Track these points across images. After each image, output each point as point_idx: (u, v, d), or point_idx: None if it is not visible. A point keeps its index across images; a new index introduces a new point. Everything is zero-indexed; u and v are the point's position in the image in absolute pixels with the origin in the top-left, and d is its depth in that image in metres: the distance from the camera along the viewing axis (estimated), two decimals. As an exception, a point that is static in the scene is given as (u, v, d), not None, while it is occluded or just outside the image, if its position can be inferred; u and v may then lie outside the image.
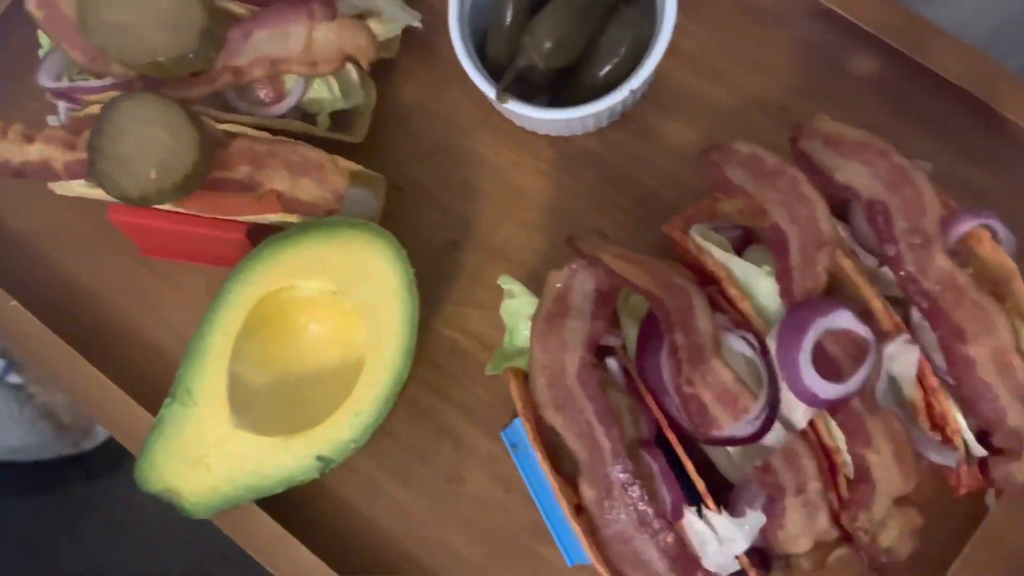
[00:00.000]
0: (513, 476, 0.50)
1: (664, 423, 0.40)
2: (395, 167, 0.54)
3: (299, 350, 0.49)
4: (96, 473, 1.35)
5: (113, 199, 0.48)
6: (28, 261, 0.55)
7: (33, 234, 0.55)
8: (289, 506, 0.49)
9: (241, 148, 0.45)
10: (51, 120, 0.51)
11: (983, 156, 0.51)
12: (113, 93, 0.46)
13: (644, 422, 0.41)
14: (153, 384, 0.51)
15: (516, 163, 0.54)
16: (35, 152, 0.46)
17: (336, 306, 0.48)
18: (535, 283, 0.52)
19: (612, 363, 0.42)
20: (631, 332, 0.43)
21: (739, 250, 0.45)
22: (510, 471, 0.50)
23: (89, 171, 0.44)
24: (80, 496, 1.32)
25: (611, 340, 0.42)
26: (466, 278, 0.53)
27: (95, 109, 0.46)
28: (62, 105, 0.48)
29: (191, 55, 0.44)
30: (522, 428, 0.45)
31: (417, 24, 0.52)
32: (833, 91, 0.52)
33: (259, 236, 0.49)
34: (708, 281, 0.43)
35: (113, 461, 1.37)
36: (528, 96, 0.51)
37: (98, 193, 0.47)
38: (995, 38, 0.57)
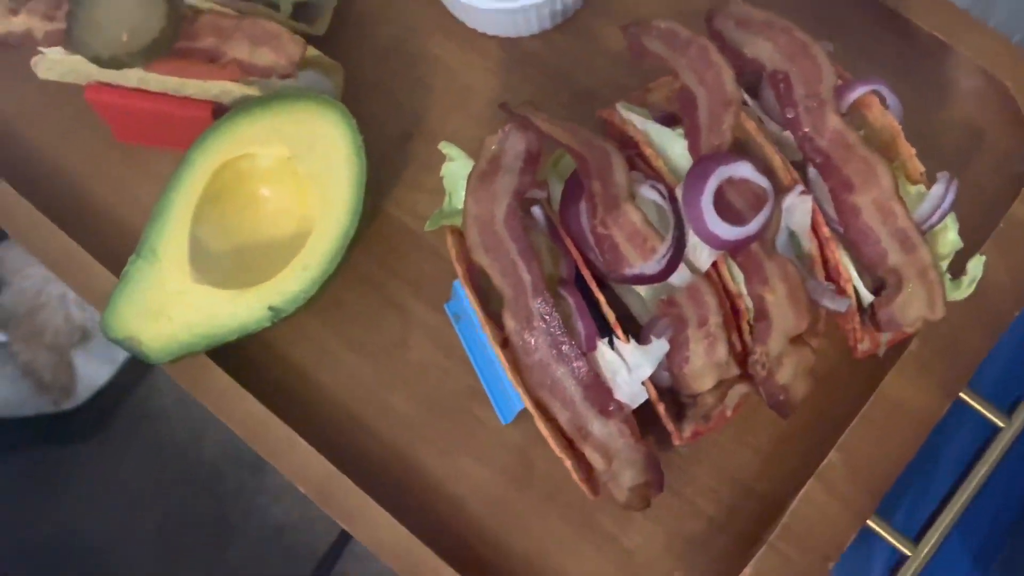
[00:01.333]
0: (454, 345, 0.53)
1: (580, 262, 0.44)
2: (353, 64, 0.58)
3: (256, 220, 0.53)
4: (76, 434, 1.38)
5: (87, 75, 0.52)
6: (8, 143, 0.58)
7: (14, 118, 0.59)
8: (241, 364, 0.52)
9: (207, 22, 0.49)
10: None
11: (889, 60, 0.55)
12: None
13: (564, 264, 0.45)
14: (122, 253, 0.55)
15: (467, 63, 0.58)
16: (19, 23, 0.50)
17: (291, 176, 0.52)
18: (480, 171, 0.57)
19: (536, 211, 0.46)
20: (557, 190, 0.47)
21: (662, 130, 0.50)
22: (451, 340, 0.53)
23: (65, 39, 0.48)
24: (57, 458, 1.35)
25: (537, 193, 0.46)
26: (416, 166, 0.57)
27: (74, -14, 0.50)
28: (44, -18, 0.52)
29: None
30: (463, 298, 0.49)
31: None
32: (755, 2, 0.57)
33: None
34: (630, 147, 0.47)
35: (93, 424, 1.39)
36: None
37: (75, 65, 0.51)
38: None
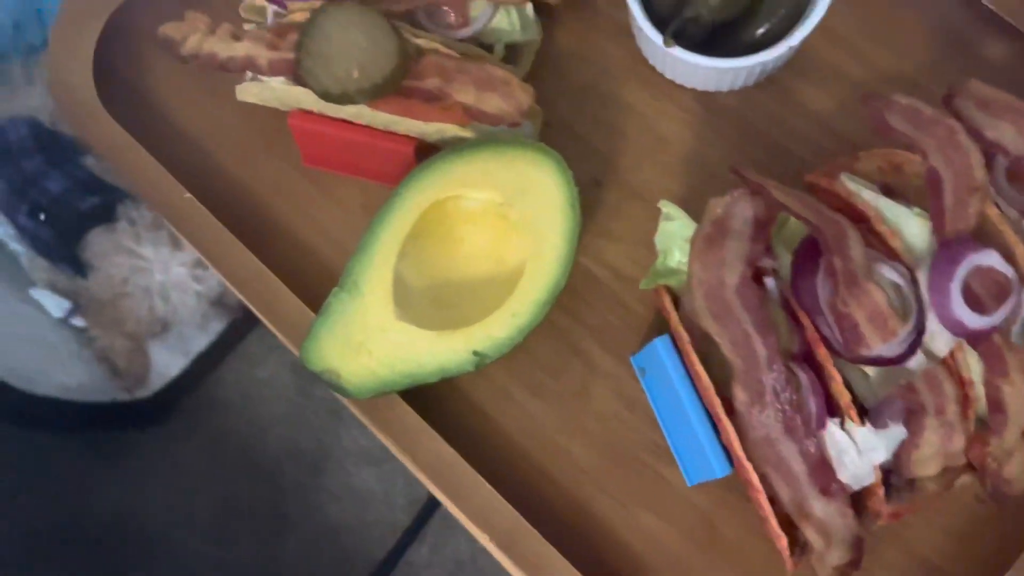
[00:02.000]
0: (638, 398, 0.53)
1: (816, 339, 0.43)
2: (547, 105, 0.58)
3: (455, 259, 0.53)
4: (141, 421, 1.39)
5: (294, 101, 0.52)
6: (200, 160, 0.59)
7: (206, 136, 0.59)
8: (424, 402, 0.52)
9: (432, 62, 0.49)
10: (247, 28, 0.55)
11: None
12: (319, 2, 0.50)
13: (796, 339, 0.44)
14: (306, 283, 0.55)
15: (660, 112, 0.58)
16: (241, 49, 0.50)
17: (497, 220, 0.52)
18: (670, 224, 0.56)
19: (769, 282, 0.45)
20: (785, 259, 0.46)
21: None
22: (635, 393, 0.53)
23: (294, 68, 0.48)
24: (119, 438, 1.36)
25: (768, 262, 0.45)
26: (605, 213, 0.57)
27: (298, 17, 0.51)
28: (271, 9, 0.52)
29: (396, -29, 0.49)
30: (660, 353, 0.48)
31: (586, -26, 0.56)
32: (964, 73, 0.56)
33: (425, 153, 0.53)
34: (856, 220, 0.47)
35: (159, 411, 1.40)
36: (684, 46, 0.55)
37: (292, 94, 0.51)
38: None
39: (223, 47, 0.50)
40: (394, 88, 0.48)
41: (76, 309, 1.35)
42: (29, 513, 1.23)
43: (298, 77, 0.48)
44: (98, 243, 1.31)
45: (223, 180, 0.59)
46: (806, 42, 0.57)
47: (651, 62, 0.57)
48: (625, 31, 0.59)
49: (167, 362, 1.41)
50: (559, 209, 0.49)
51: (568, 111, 0.58)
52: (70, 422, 1.32)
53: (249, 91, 0.54)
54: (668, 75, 0.57)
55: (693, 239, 0.46)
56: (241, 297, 0.54)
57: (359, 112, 0.51)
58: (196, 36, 0.50)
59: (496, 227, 0.52)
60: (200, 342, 1.38)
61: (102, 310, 1.35)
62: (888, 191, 0.50)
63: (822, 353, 0.43)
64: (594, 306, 0.55)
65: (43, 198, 1.26)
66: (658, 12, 0.54)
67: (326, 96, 0.48)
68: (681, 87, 0.58)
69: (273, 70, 0.49)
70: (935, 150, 0.44)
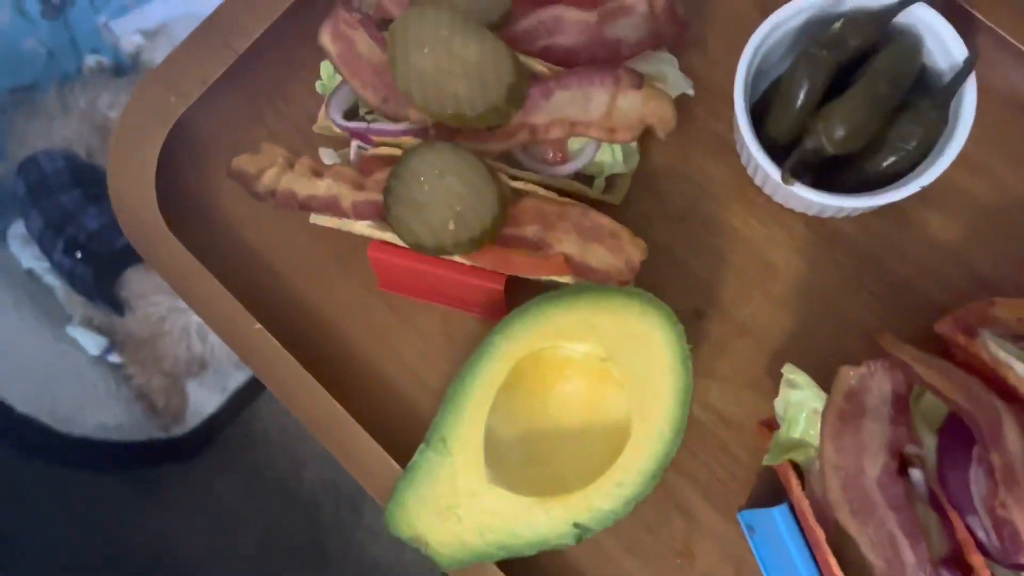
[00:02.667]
0: (745, 558, 0.49)
1: (971, 545, 0.39)
2: (645, 229, 0.53)
3: (548, 407, 0.49)
4: (179, 456, 1.37)
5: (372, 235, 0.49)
6: (270, 283, 0.55)
7: (276, 257, 0.55)
8: (513, 563, 0.48)
9: (531, 206, 0.45)
10: (322, 152, 0.51)
11: None
12: (407, 138, 0.46)
13: (944, 539, 0.40)
14: (382, 414, 0.52)
15: (767, 237, 0.53)
16: (323, 187, 0.46)
17: (594, 370, 0.47)
18: (778, 359, 0.52)
19: (916, 474, 0.41)
20: (928, 441, 0.42)
21: None
22: (742, 552, 0.49)
23: (383, 214, 0.44)
24: (157, 474, 1.34)
25: (913, 449, 0.41)
26: (708, 349, 0.52)
27: (384, 151, 0.46)
28: (354, 144, 0.48)
29: (495, 109, 0.44)
30: (779, 524, 0.44)
31: (691, 92, 0.51)
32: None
33: (514, 289, 0.49)
34: (1006, 396, 0.42)
35: (197, 446, 1.38)
36: (796, 173, 0.50)
37: (368, 231, 0.48)
38: None
39: (303, 184, 0.46)
40: (493, 238, 0.44)
41: (113, 346, 1.33)
42: (71, 546, 1.21)
43: (387, 227, 0.44)
44: (136, 282, 1.28)
45: (296, 305, 0.55)
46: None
47: (757, 182, 0.53)
48: (728, 146, 0.54)
49: (204, 399, 1.39)
50: (669, 368, 0.45)
51: (667, 235, 0.54)
52: (109, 462, 1.31)
53: (323, 216, 0.50)
54: (777, 199, 0.52)
55: (824, 415, 0.42)
56: (318, 440, 0.51)
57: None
58: (273, 171, 0.46)
59: (595, 380, 0.48)
60: (237, 379, 1.35)
61: (140, 348, 1.32)
62: (1032, 351, 0.45)
63: (977, 561, 0.39)
64: (697, 455, 0.51)
65: (80, 234, 1.23)
66: (770, 136, 0.49)
67: (419, 248, 0.44)
68: (791, 210, 0.53)
69: (358, 213, 0.45)
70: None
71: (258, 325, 0.52)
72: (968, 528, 0.39)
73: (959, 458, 0.40)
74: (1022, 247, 0.51)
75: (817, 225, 0.53)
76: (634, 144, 0.49)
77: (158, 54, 1.35)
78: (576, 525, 0.45)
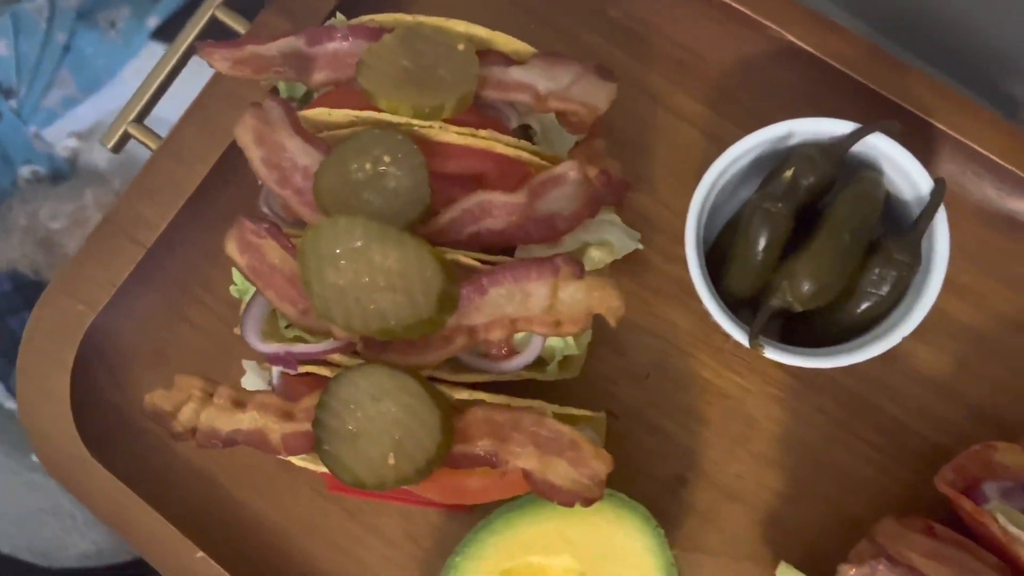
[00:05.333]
0: None
1: None
2: (609, 393, 0.49)
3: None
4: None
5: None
6: (211, 501, 0.50)
7: (215, 469, 0.51)
8: None
9: (479, 418, 0.40)
10: (245, 365, 0.47)
11: None
12: (334, 356, 0.41)
13: None
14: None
15: (743, 388, 0.49)
16: (248, 421, 0.41)
17: (576, 579, 0.43)
18: (773, 526, 0.48)
19: None
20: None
21: (1039, 521, 0.40)
22: None
23: (315, 449, 0.40)
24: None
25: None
26: (695, 519, 0.48)
27: (312, 369, 0.42)
28: (275, 370, 0.43)
29: (426, 319, 0.40)
30: None
31: (640, 247, 0.47)
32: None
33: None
34: (1020, 573, 0.38)
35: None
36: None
37: (304, 464, 0.43)
38: None
39: (224, 419, 0.42)
40: (440, 464, 0.39)
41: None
42: None
43: (321, 462, 0.40)
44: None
45: (242, 522, 0.50)
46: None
47: (725, 328, 0.48)
48: (689, 290, 0.49)
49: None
50: (652, 579, 0.41)
51: (635, 397, 0.49)
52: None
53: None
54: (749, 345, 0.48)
55: (829, 626, 0.37)
56: None
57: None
58: (190, 406, 0.42)
59: (577, 587, 0.43)
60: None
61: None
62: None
63: None
64: (698, 645, 0.47)
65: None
66: (731, 291, 0.45)
67: (359, 486, 0.39)
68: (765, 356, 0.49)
69: (289, 448, 0.41)
70: None
71: (200, 554, 0.47)
72: None
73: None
74: (1018, 373, 0.47)
75: (795, 369, 0.49)
76: (587, 321, 0.45)
77: (97, 156, 1.30)
78: None
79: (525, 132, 0.47)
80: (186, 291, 0.52)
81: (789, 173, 0.43)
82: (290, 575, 0.49)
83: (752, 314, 0.46)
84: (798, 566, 0.44)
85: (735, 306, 0.45)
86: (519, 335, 0.43)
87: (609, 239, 0.45)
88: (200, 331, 0.52)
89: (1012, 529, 0.38)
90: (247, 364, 0.47)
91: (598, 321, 0.49)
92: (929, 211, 0.43)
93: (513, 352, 0.43)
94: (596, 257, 0.46)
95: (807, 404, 0.48)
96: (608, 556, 0.41)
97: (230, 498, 0.50)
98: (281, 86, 0.49)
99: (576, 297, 0.40)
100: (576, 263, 0.40)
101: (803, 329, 0.46)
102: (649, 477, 0.48)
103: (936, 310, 0.48)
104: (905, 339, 0.48)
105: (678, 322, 0.50)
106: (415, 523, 0.49)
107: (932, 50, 0.56)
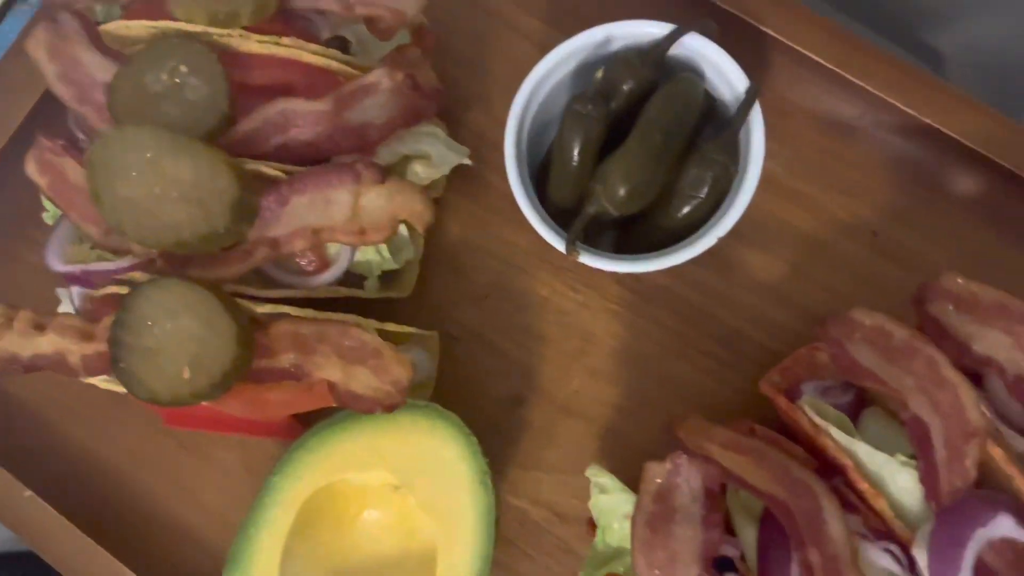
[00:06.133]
0: (600, 667, 0.44)
1: (801, 655, 0.34)
2: (447, 315, 0.48)
3: (355, 539, 0.44)
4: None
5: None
6: (40, 437, 0.49)
7: (46, 406, 0.49)
8: None
9: (284, 332, 0.39)
10: (60, 293, 0.45)
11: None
12: (134, 274, 0.40)
13: (775, 649, 0.35)
14: (184, 568, 0.46)
15: (581, 304, 0.48)
16: (47, 344, 0.40)
17: (399, 497, 0.42)
18: (611, 440, 0.47)
19: (733, 582, 0.36)
20: (747, 533, 0.37)
21: (854, 416, 0.40)
22: (600, 662, 0.44)
23: (111, 368, 0.39)
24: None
25: (729, 550, 0.36)
26: (533, 437, 0.47)
27: (113, 289, 0.41)
28: (75, 290, 0.42)
29: (221, 231, 0.39)
30: None
31: (467, 162, 0.46)
32: (932, 214, 0.47)
33: (303, 414, 0.43)
34: (831, 468, 0.38)
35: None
36: (594, 234, 0.46)
37: (108, 386, 0.42)
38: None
39: (24, 343, 0.40)
40: (239, 378, 0.38)
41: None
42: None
43: (118, 380, 0.38)
44: None
45: (72, 460, 0.49)
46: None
47: (545, 237, 0.48)
48: (527, 209, 0.49)
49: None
50: (467, 489, 0.40)
51: (473, 318, 0.48)
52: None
53: (80, 367, 0.44)
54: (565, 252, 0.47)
55: (634, 521, 0.37)
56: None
57: (209, 393, 0.41)
58: (-9, 333, 0.40)
59: (400, 505, 0.43)
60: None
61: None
62: (862, 397, 0.41)
63: (811, 674, 0.34)
64: (535, 558, 0.46)
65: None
66: (556, 203, 0.45)
67: (156, 402, 0.38)
68: (601, 271, 0.48)
69: (89, 369, 0.40)
70: (916, 392, 0.35)
71: (28, 492, 0.46)
72: (799, 635, 0.35)
73: (780, 556, 0.36)
74: (849, 277, 0.47)
75: (632, 283, 0.48)
76: (405, 235, 0.44)
77: None
78: None
79: (342, 44, 0.46)
80: (16, 230, 0.51)
81: (599, 74, 0.42)
82: (125, 511, 0.48)
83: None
84: (635, 478, 0.43)
85: (564, 217, 0.45)
86: (333, 249, 0.42)
87: (429, 151, 0.44)
88: (32, 269, 0.50)
89: (818, 420, 0.38)
90: (61, 292, 0.45)
91: (435, 241, 0.49)
92: (743, 110, 0.42)
93: (328, 264, 0.42)
94: (421, 173, 0.45)
95: (644, 318, 0.48)
96: (422, 467, 0.41)
97: (60, 434, 0.49)
98: (99, 11, 0.48)
99: (378, 203, 0.39)
100: (377, 168, 0.40)
101: (634, 238, 0.45)
102: (488, 397, 0.48)
103: (770, 216, 0.48)
104: (739, 247, 0.48)
105: (517, 241, 0.49)
106: (251, 454, 0.48)
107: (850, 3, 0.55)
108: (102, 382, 0.42)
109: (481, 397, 0.48)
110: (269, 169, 0.40)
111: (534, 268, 0.49)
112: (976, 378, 0.39)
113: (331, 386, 0.39)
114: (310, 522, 0.42)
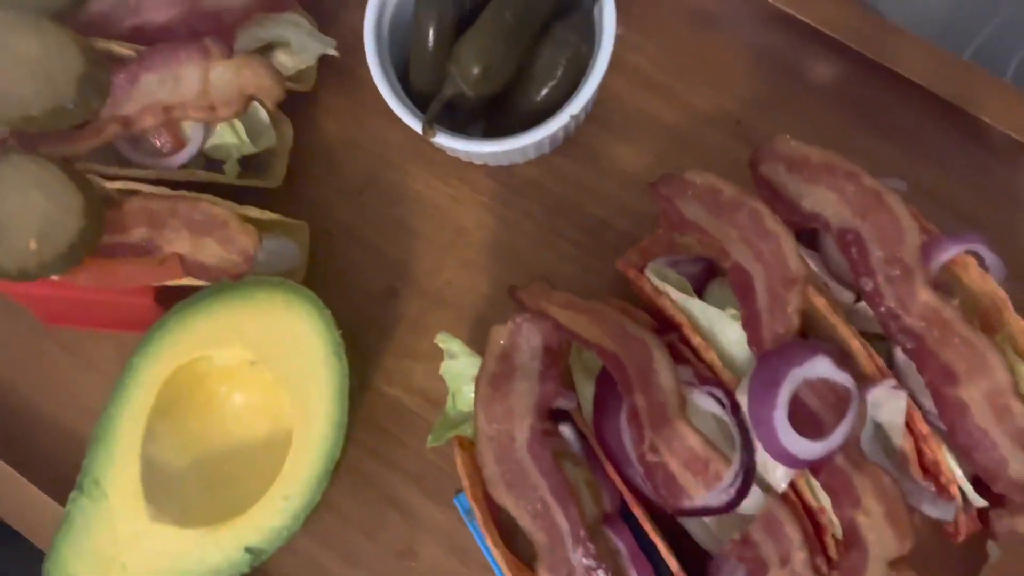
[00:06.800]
0: (470, 547, 0.45)
1: (629, 498, 0.36)
2: (321, 209, 0.49)
3: (222, 423, 0.44)
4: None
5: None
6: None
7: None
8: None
9: (136, 208, 0.40)
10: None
11: (957, 163, 0.47)
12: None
13: (606, 495, 0.37)
14: (66, 471, 0.46)
15: (453, 198, 0.49)
16: None
17: (259, 377, 0.43)
18: (483, 329, 0.48)
19: (567, 431, 0.37)
20: (586, 390, 0.38)
21: (702, 286, 0.41)
22: (466, 542, 0.45)
23: (-42, 245, 0.39)
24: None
25: (564, 403, 0.37)
26: (406, 328, 0.48)
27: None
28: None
29: (69, 106, 0.39)
30: (460, 499, 0.40)
31: (332, 52, 0.47)
32: (791, 101, 0.48)
33: (169, 298, 0.43)
34: (669, 327, 0.39)
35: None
36: (460, 124, 0.46)
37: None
38: (950, 26, 0.53)
39: None
40: (88, 251, 0.39)
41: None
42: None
43: (-33, 255, 0.39)
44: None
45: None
46: (609, 90, 0.49)
47: (401, 116, 0.48)
48: (400, 106, 0.50)
49: None
50: (321, 361, 0.41)
51: (348, 213, 0.49)
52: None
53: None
54: (451, 155, 0.48)
55: (477, 381, 0.38)
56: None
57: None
58: None
59: (260, 384, 0.43)
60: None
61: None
62: (711, 270, 0.42)
63: (638, 513, 0.35)
64: (407, 444, 0.47)
65: None
66: (419, 89, 0.45)
67: (3, 275, 0.39)
68: (473, 165, 0.49)
69: (-61, 245, 0.40)
70: (738, 242, 0.36)
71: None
72: (626, 480, 0.36)
73: (613, 406, 0.37)
74: (713, 165, 0.47)
75: (504, 176, 0.49)
76: (266, 119, 0.44)
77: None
78: (248, 550, 0.40)
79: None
80: None
81: (452, -44, 0.43)
82: (7, 416, 0.48)
83: (451, 114, 0.46)
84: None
85: (426, 104, 0.45)
86: (189, 130, 0.43)
87: (290, 39, 0.45)
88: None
89: (658, 283, 0.39)
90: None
91: (309, 137, 0.50)
92: (594, -10, 0.43)
93: (182, 146, 0.42)
94: (286, 62, 0.45)
95: (514, 210, 0.49)
96: (279, 342, 0.41)
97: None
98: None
99: (226, 77, 0.40)
100: (225, 44, 0.40)
101: (499, 126, 0.46)
102: (362, 291, 0.48)
103: (636, 109, 0.49)
104: (608, 140, 0.49)
105: (391, 137, 0.50)
106: (129, 350, 0.48)
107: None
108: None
109: (356, 291, 0.48)
110: (121, 48, 0.41)
111: (408, 163, 0.49)
112: (811, 243, 0.40)
113: (181, 259, 0.39)
114: (173, 404, 0.43)
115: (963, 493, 0.37)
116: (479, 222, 0.49)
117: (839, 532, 0.36)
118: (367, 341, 0.48)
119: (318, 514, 0.45)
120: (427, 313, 0.48)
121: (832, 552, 0.37)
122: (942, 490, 0.37)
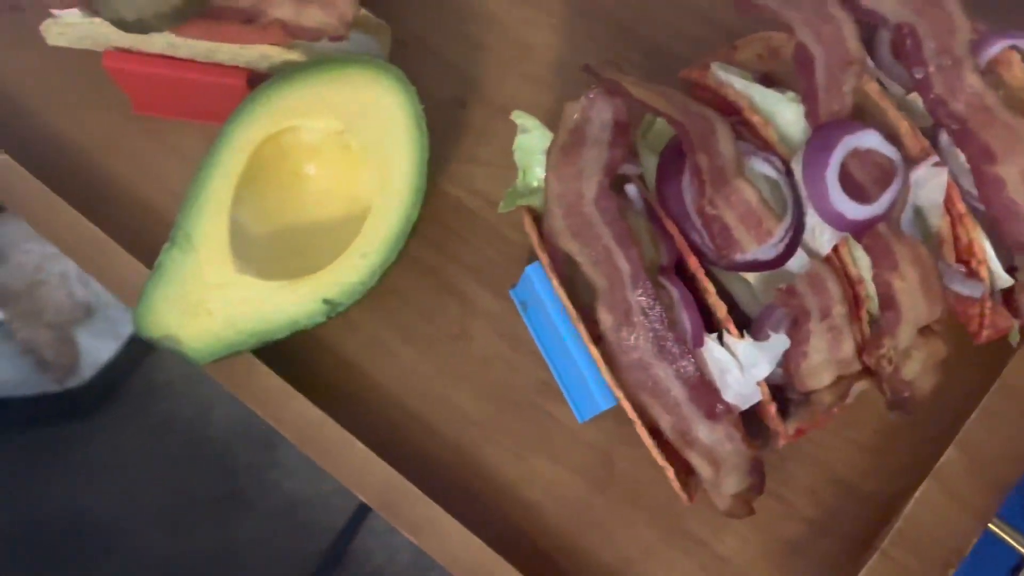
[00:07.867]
0: (521, 335, 0.48)
1: (686, 248, 0.39)
2: (398, 20, 0.52)
3: (303, 200, 0.48)
4: (80, 412, 1.33)
5: (105, 40, 0.46)
6: (14, 115, 0.52)
7: (19, 87, 0.53)
8: (287, 360, 0.47)
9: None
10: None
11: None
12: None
13: (664, 250, 0.40)
14: (150, 244, 0.50)
15: (523, 19, 0.52)
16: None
17: (341, 151, 0.46)
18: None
19: (631, 189, 0.40)
20: (650, 164, 0.42)
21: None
22: (518, 330, 0.48)
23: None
24: (60, 434, 1.30)
25: (630, 169, 0.41)
26: (471, 136, 0.51)
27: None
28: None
29: None
30: (536, 285, 0.44)
31: None
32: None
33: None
34: (730, 113, 0.42)
35: (98, 400, 1.34)
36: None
37: (91, 29, 0.45)
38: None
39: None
40: (200, 8, 0.42)
41: (-6, 301, 1.28)
42: (-22, 519, 1.18)
43: (88, 7, 0.42)
44: (6, 232, 1.24)
45: (45, 139, 0.52)
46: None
47: None
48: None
49: (97, 348, 1.34)
50: (404, 130, 0.44)
51: (422, 26, 0.52)
52: (4, 420, 1.27)
53: (53, 32, 0.47)
54: (528, -24, 0.51)
55: (549, 150, 0.41)
56: (76, 263, 0.49)
57: (172, 44, 0.45)
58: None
59: (343, 161, 0.47)
60: (130, 323, 1.32)
61: (19, 301, 1.28)
62: (768, 80, 0.45)
63: (692, 263, 0.39)
64: (467, 240, 0.50)
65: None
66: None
67: (120, 24, 0.42)
68: (546, -11, 0.52)
69: (64, 2, 0.43)
70: (802, 24, 0.39)
71: (3, 155, 0.50)
72: (685, 235, 0.39)
73: (675, 171, 0.40)
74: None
75: (574, 1, 0.52)
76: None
77: None
78: (325, 301, 0.44)
79: None
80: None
81: None
82: (88, 188, 0.52)
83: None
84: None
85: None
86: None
87: None
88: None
89: (724, 75, 0.42)
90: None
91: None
92: None
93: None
94: None
95: (578, 32, 0.52)
96: (366, 113, 0.44)
97: (34, 118, 0.52)
98: None
99: None
100: None
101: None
102: (431, 100, 0.50)
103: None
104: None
105: (468, -41, 0.53)
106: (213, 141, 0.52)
107: None
108: (74, 18, 0.45)
109: (426, 99, 0.51)
110: None
111: (482, -16, 0.53)
112: (867, 46, 0.43)
113: (283, 24, 0.43)
114: (260, 174, 0.46)
115: (992, 278, 0.40)
116: (546, 42, 0.52)
117: (875, 307, 0.40)
118: (433, 146, 0.51)
119: (382, 297, 0.49)
120: (491, 123, 0.51)
121: (865, 326, 0.40)
122: (972, 273, 0.40)
